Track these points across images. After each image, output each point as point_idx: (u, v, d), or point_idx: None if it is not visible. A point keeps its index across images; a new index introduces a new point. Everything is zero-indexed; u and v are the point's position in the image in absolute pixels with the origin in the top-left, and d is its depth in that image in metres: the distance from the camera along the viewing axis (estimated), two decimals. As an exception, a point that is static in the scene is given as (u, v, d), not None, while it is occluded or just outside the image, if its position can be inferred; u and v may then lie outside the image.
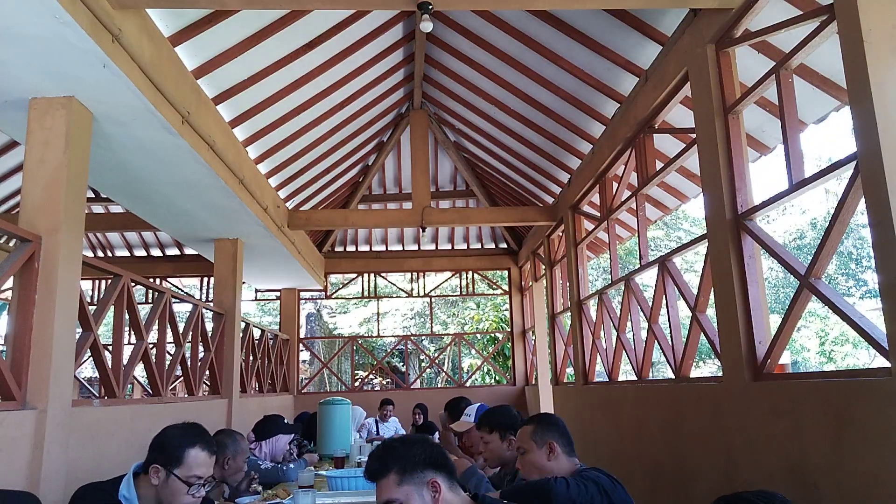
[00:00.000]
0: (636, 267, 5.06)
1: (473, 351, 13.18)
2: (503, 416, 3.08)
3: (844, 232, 2.87)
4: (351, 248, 10.87)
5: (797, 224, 21.31)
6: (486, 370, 13.99)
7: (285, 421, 4.40)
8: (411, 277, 11.89)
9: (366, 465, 1.86)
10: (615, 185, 5.72)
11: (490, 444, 3.05)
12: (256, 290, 10.94)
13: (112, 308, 4.26)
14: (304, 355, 14.00)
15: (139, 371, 5.60)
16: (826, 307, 2.93)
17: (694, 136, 3.96)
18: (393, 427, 7.48)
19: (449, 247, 10.90)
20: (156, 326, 5.05)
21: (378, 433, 7.24)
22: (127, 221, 8.32)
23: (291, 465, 4.07)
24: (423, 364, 18.03)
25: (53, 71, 3.25)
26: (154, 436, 2.29)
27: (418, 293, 11.80)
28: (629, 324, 5.43)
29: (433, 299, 12.84)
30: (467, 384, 11.30)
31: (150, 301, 9.81)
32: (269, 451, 4.22)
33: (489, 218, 8.70)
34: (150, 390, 5.07)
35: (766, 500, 1.58)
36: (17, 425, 3.00)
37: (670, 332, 4.54)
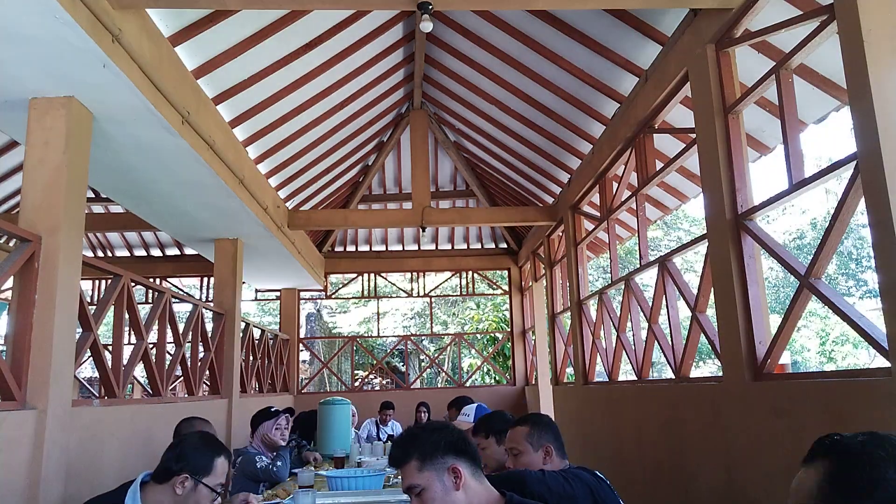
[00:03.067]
0: (636, 267, 5.06)
1: (473, 351, 13.16)
2: (500, 422, 3.06)
3: (844, 232, 2.87)
4: (351, 248, 10.86)
5: (797, 224, 21.32)
6: (486, 370, 13.98)
7: (271, 409, 4.38)
8: (411, 277, 11.88)
9: (389, 451, 1.91)
10: (615, 185, 5.72)
11: (487, 449, 3.04)
12: (256, 290, 10.94)
13: (112, 308, 4.26)
14: (304, 355, 14.00)
15: (139, 371, 5.60)
16: (826, 307, 2.93)
17: (694, 136, 3.96)
18: (393, 430, 7.47)
19: (449, 247, 10.89)
20: (156, 326, 5.05)
21: (378, 436, 7.23)
22: (127, 221, 8.32)
23: (279, 464, 4.03)
24: (423, 364, 18.03)
25: (53, 71, 3.25)
26: (172, 443, 2.26)
27: (418, 293, 11.79)
28: (629, 324, 5.43)
29: (433, 299, 12.84)
30: (467, 384, 11.29)
31: (150, 301, 9.80)
32: (259, 441, 4.23)
33: (489, 218, 8.70)
34: (150, 390, 5.07)
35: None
36: (17, 425, 3.00)
37: (670, 332, 4.53)
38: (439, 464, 1.77)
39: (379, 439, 7.03)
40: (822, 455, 1.09)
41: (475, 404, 4.05)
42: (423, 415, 7.49)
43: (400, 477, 1.84)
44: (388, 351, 16.45)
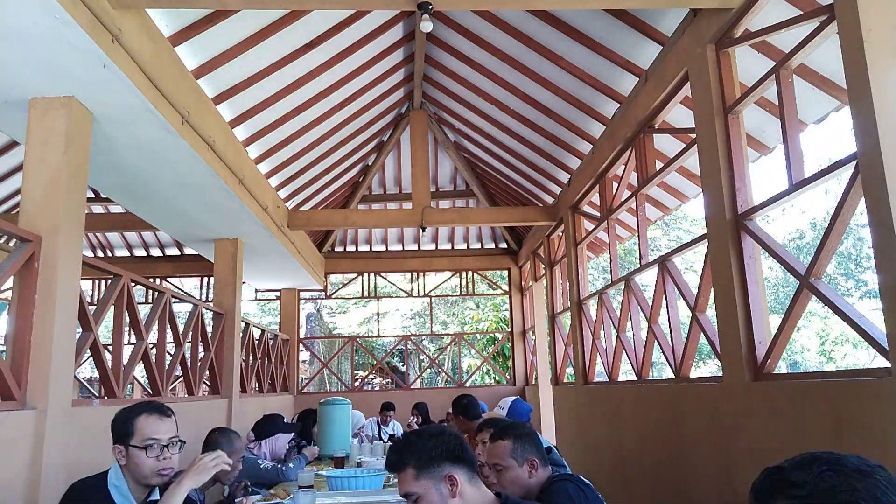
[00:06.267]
0: (636, 267, 5.06)
1: (473, 351, 13.17)
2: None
3: (844, 232, 2.87)
4: (351, 248, 10.87)
5: (797, 224, 21.32)
6: (485, 370, 13.98)
7: (284, 420, 4.41)
8: (411, 277, 11.90)
9: (386, 457, 1.91)
10: (615, 185, 5.72)
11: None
12: (256, 290, 10.94)
13: (112, 308, 4.26)
14: (304, 355, 14.00)
15: (139, 371, 5.59)
16: (826, 307, 2.93)
17: (694, 136, 3.96)
18: (394, 430, 7.46)
19: (449, 247, 10.90)
20: (156, 326, 5.05)
21: (379, 435, 7.23)
22: (127, 221, 8.33)
23: (290, 465, 4.07)
24: (423, 364, 18.03)
25: (53, 71, 3.25)
26: None
27: (418, 293, 11.80)
28: (629, 324, 5.43)
29: (433, 299, 12.83)
30: (467, 384, 11.29)
31: (150, 301, 9.80)
32: (268, 451, 4.23)
33: (489, 218, 8.70)
34: (150, 390, 5.07)
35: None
36: (17, 425, 3.00)
37: (670, 332, 4.54)
38: (436, 472, 1.77)
39: (380, 439, 7.03)
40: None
41: (511, 398, 4.05)
42: (415, 417, 7.30)
43: (397, 481, 1.85)
44: (388, 351, 16.45)
